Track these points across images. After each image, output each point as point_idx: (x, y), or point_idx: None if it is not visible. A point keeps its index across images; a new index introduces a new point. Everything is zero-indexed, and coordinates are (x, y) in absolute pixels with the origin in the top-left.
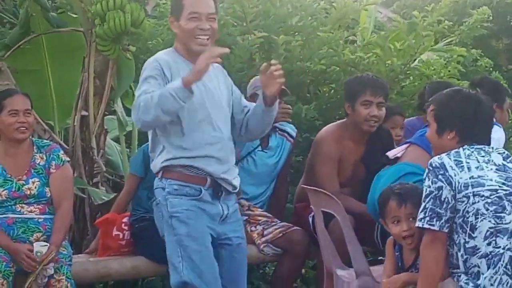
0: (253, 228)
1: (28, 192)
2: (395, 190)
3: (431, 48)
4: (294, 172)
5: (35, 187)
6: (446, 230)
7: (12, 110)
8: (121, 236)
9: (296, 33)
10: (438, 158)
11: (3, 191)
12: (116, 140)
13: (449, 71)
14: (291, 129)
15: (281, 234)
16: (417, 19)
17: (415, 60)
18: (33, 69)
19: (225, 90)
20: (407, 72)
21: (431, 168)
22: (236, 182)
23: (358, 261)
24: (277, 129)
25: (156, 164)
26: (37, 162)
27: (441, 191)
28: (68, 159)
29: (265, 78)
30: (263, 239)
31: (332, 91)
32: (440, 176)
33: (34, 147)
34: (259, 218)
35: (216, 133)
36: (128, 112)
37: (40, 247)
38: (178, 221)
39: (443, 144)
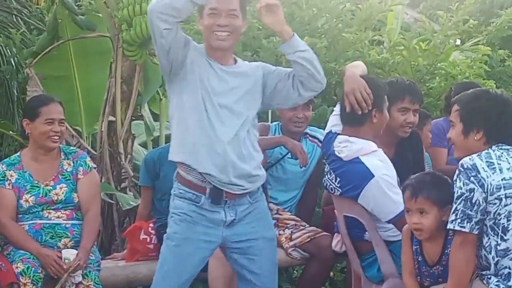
0: (281, 232)
1: (56, 198)
2: (412, 180)
3: (457, 47)
4: (322, 175)
5: (63, 193)
6: (477, 232)
7: (49, 118)
8: (148, 240)
9: (322, 35)
10: (470, 159)
11: (30, 197)
12: (144, 145)
13: (474, 69)
14: (321, 135)
15: (309, 239)
16: (443, 19)
17: (441, 61)
18: (60, 75)
19: (247, 89)
20: (433, 72)
21: (462, 169)
22: (247, 183)
23: (386, 263)
24: (308, 135)
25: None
26: (65, 168)
27: (472, 193)
28: (94, 165)
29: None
30: (291, 243)
31: None
32: (472, 178)
33: (62, 153)
34: (288, 221)
35: (217, 137)
36: (155, 117)
37: (68, 254)
38: (173, 221)
39: (469, 145)
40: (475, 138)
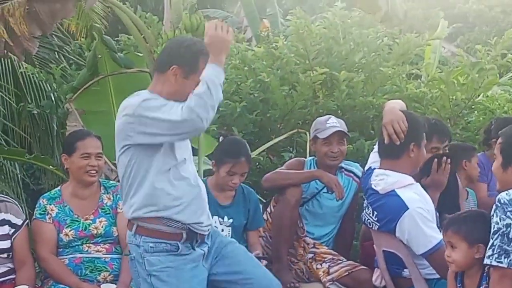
0: (318, 266)
1: (95, 232)
2: (451, 215)
3: (496, 82)
4: (360, 209)
5: (102, 227)
6: None
7: (85, 153)
8: None
9: (359, 70)
10: (507, 194)
11: (70, 231)
12: None
13: None
14: (357, 169)
15: (347, 273)
16: (481, 53)
17: (479, 95)
18: (100, 110)
19: None
20: (472, 107)
21: (499, 204)
22: (209, 220)
23: None
24: (343, 169)
25: (126, 211)
26: (105, 203)
27: (509, 228)
28: None
29: None
30: (329, 277)
31: None
32: (508, 213)
33: (102, 188)
34: (325, 255)
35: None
36: (193, 151)
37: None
38: (158, 280)
39: (508, 179)
40: None
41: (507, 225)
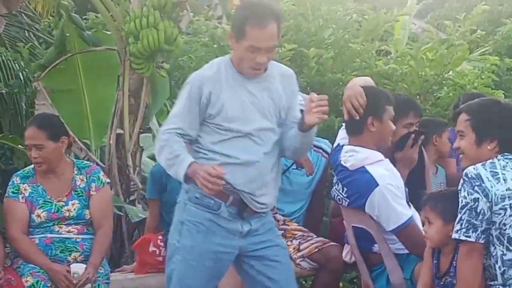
0: (289, 243)
1: (67, 214)
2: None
3: (465, 58)
4: (330, 185)
5: (74, 209)
6: (483, 241)
7: (26, 144)
8: (157, 252)
9: (329, 46)
10: (474, 168)
11: (42, 212)
12: (152, 157)
13: (482, 79)
14: (326, 145)
15: (317, 250)
16: (450, 29)
17: (449, 71)
18: (68, 89)
19: (284, 97)
20: (441, 82)
21: (466, 179)
22: (267, 200)
23: (395, 274)
24: (312, 146)
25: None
26: (78, 184)
27: (477, 203)
28: (108, 180)
29: (309, 107)
30: (299, 253)
31: None
32: (476, 188)
33: (75, 168)
34: (295, 232)
35: (255, 145)
36: None
37: (77, 268)
38: (187, 231)
39: (481, 155)
40: (489, 147)
41: (475, 200)
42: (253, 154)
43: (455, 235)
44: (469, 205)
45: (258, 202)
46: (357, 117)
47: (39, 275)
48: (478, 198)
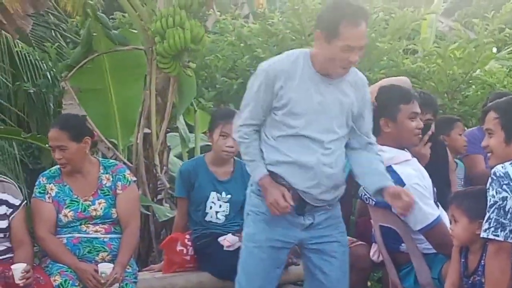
0: None
1: (94, 214)
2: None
3: (494, 56)
4: (357, 185)
5: (101, 209)
6: (511, 241)
7: (50, 146)
8: (185, 251)
9: None
10: (502, 167)
11: (69, 212)
12: (179, 156)
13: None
14: None
15: None
16: (478, 27)
17: (477, 69)
18: (95, 88)
19: (356, 104)
20: (469, 81)
21: (495, 178)
22: (327, 196)
23: (423, 273)
24: None
25: None
26: (104, 183)
27: (505, 202)
28: (134, 178)
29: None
30: None
31: None
32: (504, 186)
33: (101, 167)
34: None
35: (314, 145)
36: (190, 128)
37: (105, 268)
38: (251, 220)
39: (511, 153)
40: None
41: (503, 198)
42: (311, 156)
43: (483, 234)
44: (498, 203)
45: (317, 199)
46: None
47: (67, 274)
48: (507, 197)
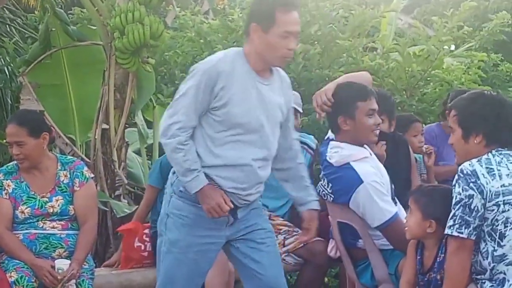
0: None
1: (51, 210)
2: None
3: (451, 53)
4: (316, 181)
5: (58, 205)
6: (474, 238)
7: (8, 142)
8: (143, 247)
9: (315, 42)
10: (469, 165)
11: (26, 208)
12: (138, 152)
13: (469, 75)
14: (311, 141)
15: (302, 245)
16: (437, 25)
17: (435, 67)
18: (54, 84)
19: (284, 105)
20: (428, 78)
21: (462, 175)
22: (252, 198)
23: (379, 269)
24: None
25: None
26: (61, 180)
27: (471, 200)
28: (92, 175)
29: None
30: (284, 248)
31: None
32: (471, 184)
33: (59, 164)
34: (280, 227)
35: (250, 146)
36: (149, 124)
37: (61, 264)
38: (172, 224)
39: (469, 149)
40: (475, 141)
41: (469, 196)
42: (247, 157)
43: (447, 231)
44: (463, 201)
45: (243, 200)
46: (322, 115)
47: (23, 270)
48: (473, 195)
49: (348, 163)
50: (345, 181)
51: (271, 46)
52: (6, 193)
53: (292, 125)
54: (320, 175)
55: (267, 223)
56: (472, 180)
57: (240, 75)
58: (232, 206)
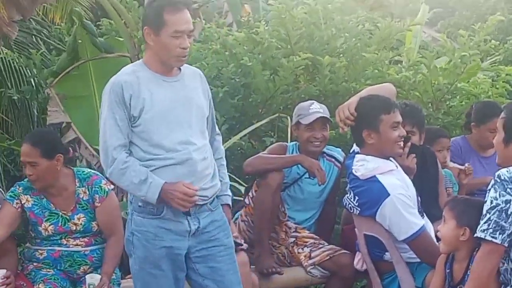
0: (300, 250)
1: (74, 228)
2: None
3: (480, 68)
4: (342, 193)
5: (81, 223)
6: (506, 245)
7: (22, 161)
8: None
9: (341, 55)
10: (507, 171)
11: (49, 226)
12: None
13: (497, 88)
14: (339, 154)
15: (328, 257)
16: (464, 38)
17: (462, 80)
18: (81, 95)
19: (203, 96)
20: (454, 92)
21: (498, 180)
22: (207, 192)
23: (406, 282)
24: (325, 155)
25: None
26: (81, 197)
27: (508, 205)
28: (112, 186)
29: None
30: (310, 261)
31: None
32: (509, 190)
33: (76, 180)
34: (306, 240)
35: (182, 145)
36: None
37: (92, 279)
38: (138, 241)
39: (509, 155)
40: None
41: (507, 201)
42: (183, 154)
43: (480, 234)
44: (500, 206)
45: (198, 196)
46: (345, 129)
47: (51, 282)
48: (510, 200)
49: (374, 176)
50: (371, 194)
51: (165, 47)
52: (17, 204)
53: (212, 116)
54: (346, 188)
55: (228, 238)
56: (510, 186)
57: (144, 81)
58: (197, 188)
